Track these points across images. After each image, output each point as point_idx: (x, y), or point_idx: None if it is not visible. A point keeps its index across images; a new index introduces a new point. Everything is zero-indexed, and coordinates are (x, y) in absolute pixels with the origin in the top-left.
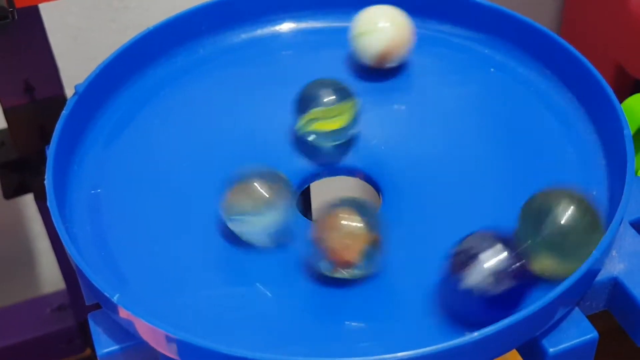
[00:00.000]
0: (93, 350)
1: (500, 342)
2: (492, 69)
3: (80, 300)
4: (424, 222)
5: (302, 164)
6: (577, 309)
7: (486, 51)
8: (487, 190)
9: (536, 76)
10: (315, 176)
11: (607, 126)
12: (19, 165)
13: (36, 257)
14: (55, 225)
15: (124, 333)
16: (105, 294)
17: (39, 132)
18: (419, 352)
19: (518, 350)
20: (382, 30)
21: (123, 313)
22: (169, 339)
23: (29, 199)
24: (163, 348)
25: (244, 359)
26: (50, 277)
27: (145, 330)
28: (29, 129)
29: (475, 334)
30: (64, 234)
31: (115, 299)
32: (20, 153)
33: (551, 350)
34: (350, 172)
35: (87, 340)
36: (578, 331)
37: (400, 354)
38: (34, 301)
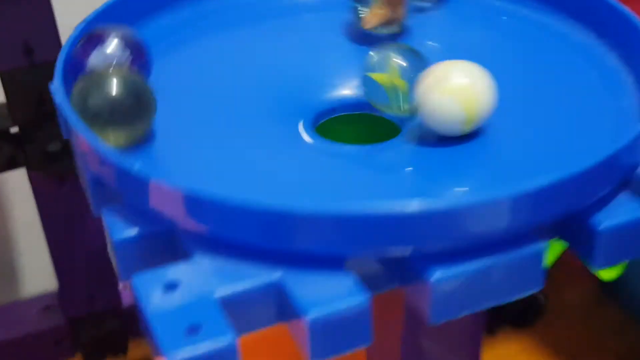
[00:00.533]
0: (83, 355)
1: (546, 205)
2: (504, 17)
3: (68, 300)
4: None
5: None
6: (627, 191)
7: (497, 4)
8: (514, 116)
9: (550, 19)
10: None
11: (629, 46)
12: (13, 135)
13: (23, 260)
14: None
15: (141, 220)
16: (124, 166)
17: (37, 99)
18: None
19: (565, 237)
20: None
21: (149, 186)
22: (193, 202)
23: (15, 200)
24: (187, 220)
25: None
26: (37, 281)
27: (169, 199)
28: (26, 95)
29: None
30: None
31: (136, 168)
32: (16, 121)
33: (600, 227)
34: None
35: (76, 343)
36: (628, 210)
37: (415, 204)
38: (20, 303)
